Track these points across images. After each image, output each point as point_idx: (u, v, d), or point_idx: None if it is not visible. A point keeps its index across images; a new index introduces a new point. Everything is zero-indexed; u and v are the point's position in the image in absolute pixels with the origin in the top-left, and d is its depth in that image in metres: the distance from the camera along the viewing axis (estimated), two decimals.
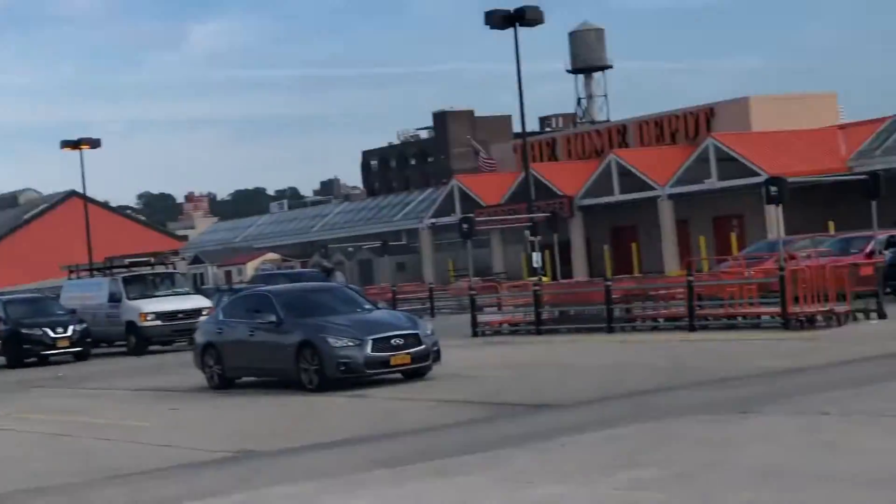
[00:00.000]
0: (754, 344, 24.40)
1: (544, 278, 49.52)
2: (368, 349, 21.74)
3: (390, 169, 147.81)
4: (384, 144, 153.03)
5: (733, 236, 60.66)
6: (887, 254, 33.20)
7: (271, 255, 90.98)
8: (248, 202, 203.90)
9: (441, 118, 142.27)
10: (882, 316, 27.32)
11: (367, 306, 24.08)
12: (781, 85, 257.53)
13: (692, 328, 28.56)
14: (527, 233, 55.64)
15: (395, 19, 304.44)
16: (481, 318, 35.40)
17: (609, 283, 32.36)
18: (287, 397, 21.47)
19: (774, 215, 31.58)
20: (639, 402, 17.27)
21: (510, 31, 47.58)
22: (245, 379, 24.19)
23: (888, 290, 32.09)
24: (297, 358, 22.14)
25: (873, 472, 10.73)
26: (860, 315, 27.49)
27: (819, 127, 66.93)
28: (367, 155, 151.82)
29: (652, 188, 65.66)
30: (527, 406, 17.88)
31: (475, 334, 33.85)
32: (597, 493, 10.90)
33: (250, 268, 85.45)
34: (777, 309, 27.44)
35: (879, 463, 11.08)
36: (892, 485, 10.19)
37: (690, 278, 29.41)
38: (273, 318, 22.92)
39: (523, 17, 44.83)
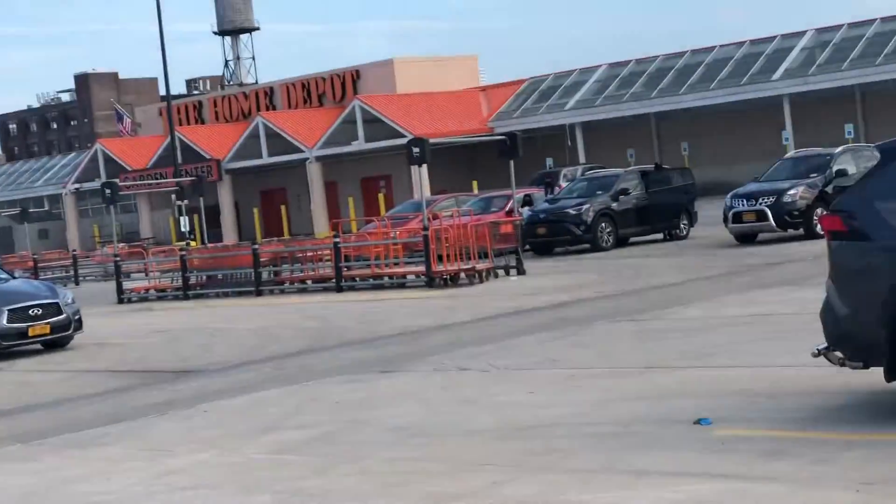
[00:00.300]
0: (400, 303, 24.71)
1: (192, 243, 48.90)
2: (4, 320, 21.17)
3: (31, 133, 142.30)
4: (23, 108, 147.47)
5: (381, 197, 61.29)
6: (525, 212, 34.69)
7: None
8: None
9: (84, 80, 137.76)
10: (521, 272, 28.07)
11: (3, 276, 23.27)
12: (424, 47, 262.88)
13: (339, 289, 28.82)
14: (173, 197, 54.75)
15: None
16: (127, 284, 34.97)
17: (256, 246, 32.33)
18: None
19: (419, 176, 32.13)
20: (282, 364, 17.28)
21: None
22: None
23: (527, 247, 33.44)
24: None
25: (507, 425, 11.04)
26: (501, 272, 28.14)
27: (462, 89, 68.50)
28: (4, 119, 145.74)
29: (300, 150, 65.45)
30: (171, 373, 17.65)
31: (121, 301, 33.38)
32: (239, 459, 10.81)
33: None
34: (422, 268, 27.84)
35: (513, 415, 11.41)
36: (523, 434, 10.50)
37: (337, 240, 29.59)
38: None
39: None
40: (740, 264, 25.40)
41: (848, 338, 9.68)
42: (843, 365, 9.82)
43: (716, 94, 57.62)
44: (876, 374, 9.66)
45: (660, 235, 35.39)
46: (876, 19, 56.33)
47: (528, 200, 34.92)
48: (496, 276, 28.08)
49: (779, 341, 14.10)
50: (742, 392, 11.32)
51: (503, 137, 31.88)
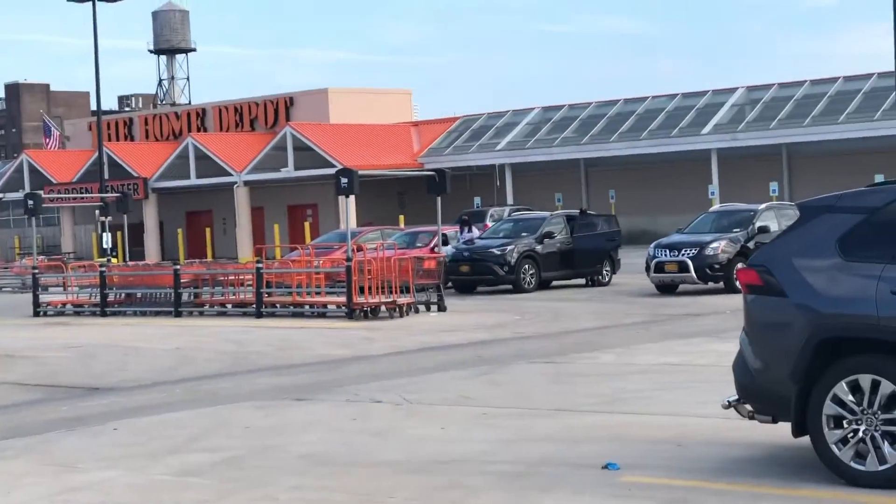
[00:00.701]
0: (318, 332, 24.57)
1: (114, 260, 48.47)
2: None
3: None
4: None
5: (307, 225, 60.90)
6: (448, 249, 34.69)
7: None
8: None
9: (14, 90, 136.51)
10: (442, 308, 28.04)
11: None
12: (360, 79, 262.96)
13: (259, 315, 28.60)
14: (97, 212, 54.28)
15: None
16: (44, 297, 34.49)
17: (178, 267, 31.97)
18: None
19: (346, 206, 32.04)
20: (196, 386, 17.14)
21: (90, 4, 46.16)
22: None
23: (449, 284, 33.37)
24: None
25: (415, 458, 11.01)
26: (422, 307, 28.06)
27: (395, 122, 68.49)
28: None
29: (229, 174, 64.97)
30: (82, 389, 17.41)
31: (37, 314, 32.84)
32: (145, 478, 10.70)
33: None
34: (343, 299, 27.77)
35: (422, 450, 11.38)
36: (430, 469, 10.49)
37: (259, 265, 29.51)
38: None
39: None
40: (659, 313, 25.44)
41: (758, 391, 9.72)
42: (752, 418, 9.88)
43: (646, 144, 57.85)
44: (783, 429, 9.70)
45: (582, 280, 35.42)
46: (805, 81, 57.01)
47: (445, 240, 34.58)
48: (417, 311, 27.93)
49: (691, 391, 14.20)
50: (651, 439, 11.36)
51: (432, 173, 31.80)
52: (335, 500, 9.45)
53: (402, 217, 55.15)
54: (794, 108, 55.29)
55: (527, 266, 33.96)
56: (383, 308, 27.47)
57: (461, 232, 37.21)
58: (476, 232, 36.98)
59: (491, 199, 62.61)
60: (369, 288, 27.68)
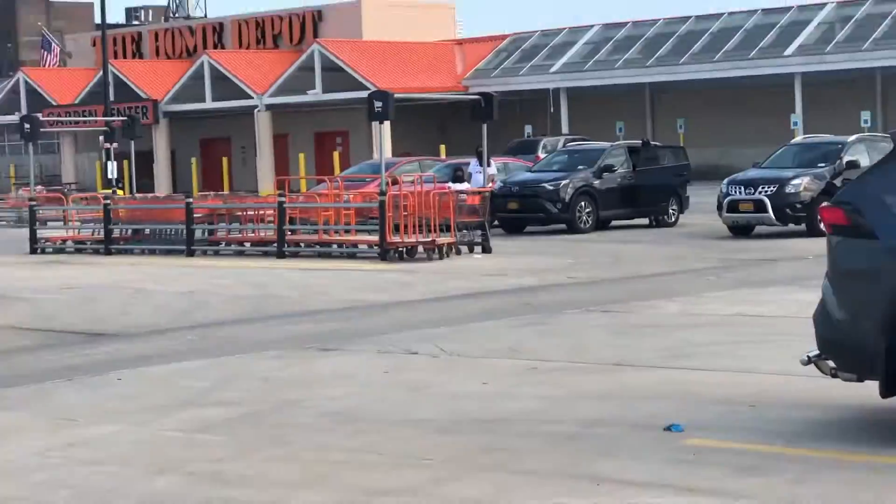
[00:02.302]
0: (348, 275, 24.59)
1: (119, 192, 48.71)
2: None
3: None
4: None
5: (336, 155, 60.65)
6: (461, 186, 34.40)
7: None
8: None
9: (9, 1, 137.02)
10: (487, 250, 27.99)
11: None
12: None
13: (282, 255, 28.61)
14: (101, 139, 54.38)
15: None
16: (42, 233, 34.57)
17: (191, 200, 31.93)
18: None
19: (379, 134, 32.00)
20: (210, 333, 17.13)
21: None
22: None
23: (496, 222, 33.13)
24: None
25: (454, 417, 11.01)
26: (464, 249, 27.99)
27: (436, 41, 67.88)
28: None
29: (249, 97, 64.62)
30: (84, 334, 17.49)
31: (34, 251, 32.99)
32: (151, 434, 10.74)
33: None
34: (375, 238, 27.69)
35: (462, 407, 11.38)
36: (471, 428, 10.48)
37: (282, 199, 29.38)
38: None
39: None
40: (732, 258, 25.42)
41: (843, 345, 9.62)
42: (834, 376, 9.80)
43: (720, 67, 57.25)
44: (871, 388, 9.61)
45: (645, 220, 35.24)
46: None
47: (458, 176, 33.20)
48: (458, 252, 27.87)
49: (766, 345, 14.07)
50: (720, 399, 11.28)
51: (477, 98, 31.71)
52: (365, 462, 9.44)
53: (443, 147, 55.21)
54: (891, 27, 54.59)
55: (583, 203, 33.86)
56: (421, 249, 27.38)
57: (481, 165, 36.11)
58: (493, 169, 34.91)
59: (544, 127, 62.06)
60: (405, 226, 27.41)
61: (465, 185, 31.76)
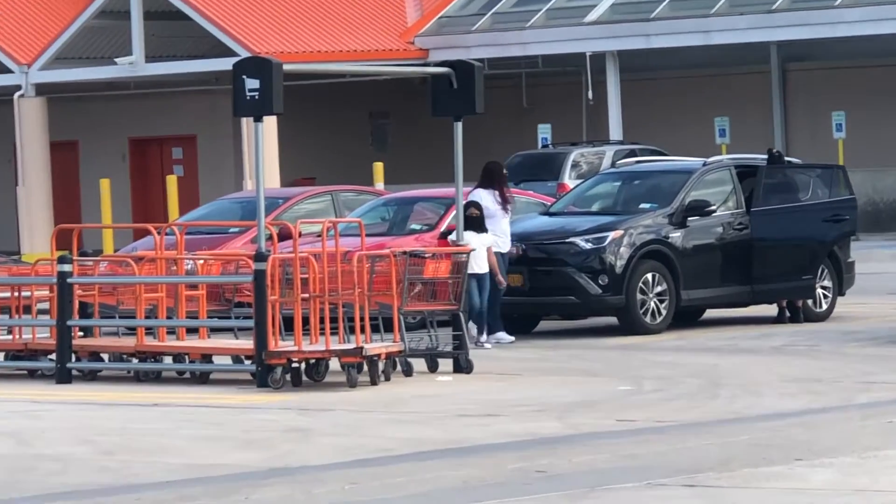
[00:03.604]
0: (195, 415, 25.48)
1: None
2: None
3: None
4: None
5: (173, 182, 58.93)
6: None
7: None
8: None
9: None
10: (463, 367, 29.45)
11: None
12: None
13: (66, 377, 30.23)
14: None
15: None
16: None
17: None
18: None
19: (255, 142, 31.91)
20: None
21: None
22: None
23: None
24: None
25: None
26: (420, 363, 29.23)
27: None
28: None
29: (6, 70, 65.86)
30: None
31: None
32: None
33: None
34: (248, 345, 28.98)
35: None
36: None
37: (66, 269, 30.99)
38: None
39: None
40: None
41: None
42: None
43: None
44: None
45: (769, 309, 35.05)
46: None
47: (472, 217, 33.22)
48: (408, 371, 28.09)
49: None
50: None
51: (446, 70, 31.64)
52: None
53: (378, 166, 55.38)
54: None
55: (650, 277, 33.87)
56: (336, 364, 27.59)
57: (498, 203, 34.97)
58: (495, 208, 34.46)
59: (574, 129, 62.74)
60: (306, 321, 28.00)
61: (487, 239, 32.51)
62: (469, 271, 30.14)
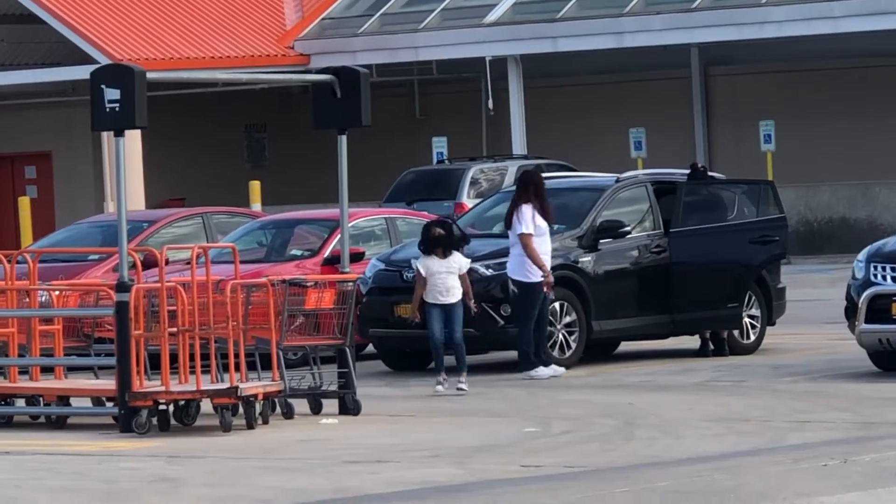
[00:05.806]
0: (51, 464, 25.35)
1: None
2: None
3: None
4: None
5: (25, 204, 63.00)
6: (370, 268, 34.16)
7: None
8: None
9: None
10: (350, 409, 30.06)
11: None
12: None
13: None
14: None
15: None
16: None
17: None
18: None
19: (117, 159, 31.71)
20: None
21: None
22: None
23: (368, 346, 34.68)
24: None
25: None
26: (301, 404, 29.16)
27: None
28: None
29: None
30: None
31: None
32: None
33: None
34: (109, 385, 29.14)
35: None
36: None
37: None
38: None
39: None
40: (872, 420, 25.51)
41: None
42: None
43: (830, 15, 59.81)
44: None
45: (691, 340, 35.04)
46: None
47: (439, 238, 33.16)
48: (289, 413, 28.19)
49: None
50: None
51: (329, 78, 31.77)
52: None
53: (255, 185, 56.47)
54: None
55: (558, 306, 33.53)
56: (208, 406, 27.80)
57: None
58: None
59: (473, 143, 63.05)
60: (174, 358, 28.02)
61: (460, 261, 32.45)
62: (433, 301, 31.15)
